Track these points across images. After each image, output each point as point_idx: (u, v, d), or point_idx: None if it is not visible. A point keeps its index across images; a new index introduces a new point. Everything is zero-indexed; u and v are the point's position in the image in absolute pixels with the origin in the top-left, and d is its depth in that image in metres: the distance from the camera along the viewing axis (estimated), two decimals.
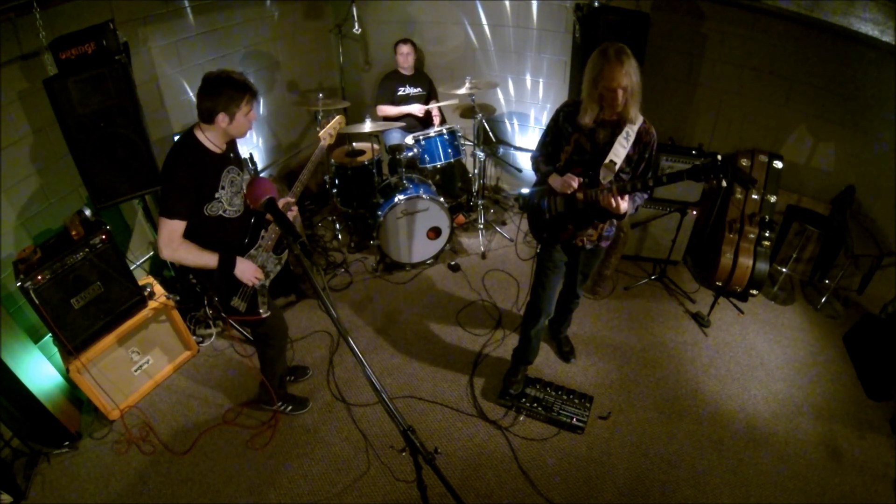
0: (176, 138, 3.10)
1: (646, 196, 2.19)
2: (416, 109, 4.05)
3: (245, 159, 3.39)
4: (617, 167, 2.07)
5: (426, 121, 4.16)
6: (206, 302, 3.15)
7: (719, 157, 1.83)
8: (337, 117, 2.53)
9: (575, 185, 2.12)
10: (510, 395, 2.72)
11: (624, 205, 2.02)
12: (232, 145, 2.09)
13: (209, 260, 1.99)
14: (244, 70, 3.86)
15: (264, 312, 2.25)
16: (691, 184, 3.40)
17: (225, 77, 1.88)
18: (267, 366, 2.53)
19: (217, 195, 1.99)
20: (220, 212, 2.02)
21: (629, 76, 1.90)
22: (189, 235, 1.96)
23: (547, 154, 2.29)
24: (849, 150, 3.30)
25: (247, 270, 2.08)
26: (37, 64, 2.48)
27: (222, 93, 1.86)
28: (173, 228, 1.89)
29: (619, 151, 2.06)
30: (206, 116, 1.90)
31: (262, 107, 4.12)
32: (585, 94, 2.02)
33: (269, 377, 2.56)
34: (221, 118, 1.89)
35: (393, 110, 4.06)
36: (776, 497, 2.33)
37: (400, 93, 4.07)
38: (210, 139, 1.95)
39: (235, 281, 2.11)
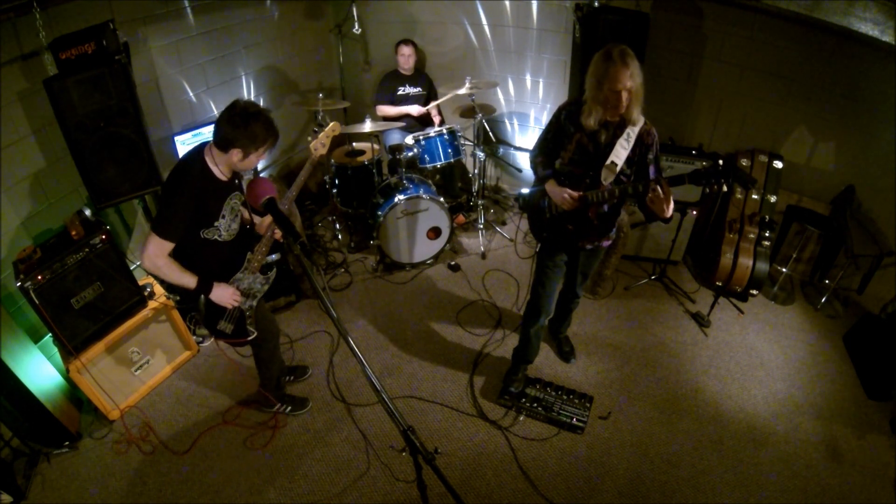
0: (176, 139, 3.16)
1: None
2: (415, 110, 4.05)
3: None
4: (618, 168, 2.07)
5: (426, 121, 4.16)
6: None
7: (721, 162, 1.81)
8: (331, 125, 2.39)
9: (572, 198, 2.12)
10: (510, 393, 2.72)
11: (672, 203, 1.93)
12: (236, 172, 2.06)
13: (188, 281, 1.96)
14: (244, 70, 3.86)
15: (252, 334, 2.23)
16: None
17: (256, 113, 1.81)
18: (261, 367, 2.53)
19: (216, 223, 1.98)
20: (216, 236, 2.00)
21: (633, 78, 1.90)
22: (176, 251, 1.93)
23: (547, 152, 2.28)
24: (849, 150, 3.30)
25: (224, 295, 2.05)
26: (37, 64, 2.48)
27: (248, 128, 1.79)
28: (162, 247, 1.87)
29: (621, 153, 2.05)
30: (222, 145, 1.84)
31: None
32: (589, 96, 2.01)
33: (266, 378, 2.56)
34: (235, 153, 1.84)
35: (392, 110, 4.06)
36: (776, 497, 2.33)
37: (400, 92, 4.07)
38: (219, 166, 1.93)
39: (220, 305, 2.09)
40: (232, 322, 2.16)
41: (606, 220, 2.26)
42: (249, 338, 2.24)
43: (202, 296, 2.04)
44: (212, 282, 2.03)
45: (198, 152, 1.92)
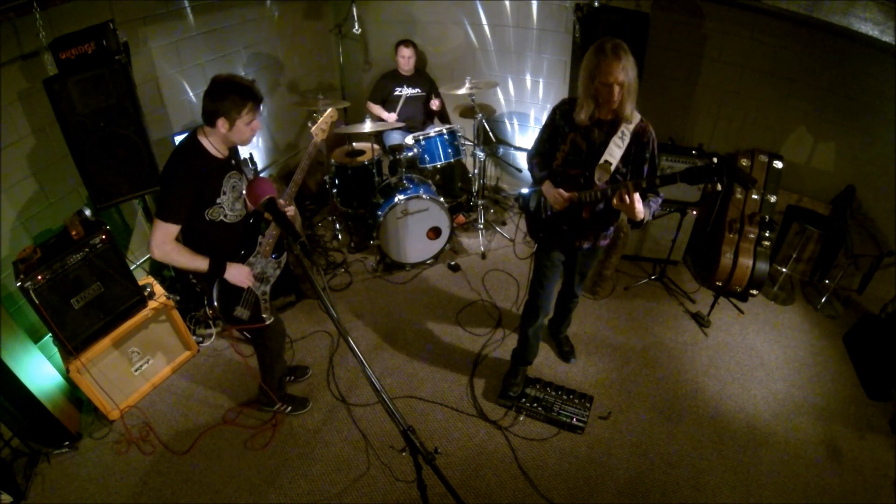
0: (177, 139, 3.16)
1: (660, 200, 2.14)
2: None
3: (245, 159, 3.40)
4: (613, 167, 2.06)
5: (427, 118, 4.17)
6: (206, 302, 3.15)
7: (715, 160, 1.81)
8: (329, 110, 2.41)
9: (564, 198, 2.13)
10: (510, 396, 2.72)
11: (640, 206, 1.96)
12: (234, 150, 2.09)
13: (200, 264, 1.97)
14: (244, 70, 3.87)
15: (268, 319, 2.25)
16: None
17: (231, 82, 1.86)
18: (265, 366, 2.53)
19: (219, 200, 1.98)
20: (221, 217, 2.01)
21: (626, 72, 1.87)
22: (188, 238, 1.95)
23: (543, 152, 2.28)
24: (849, 150, 3.30)
25: (238, 274, 2.06)
26: (37, 64, 2.48)
27: (226, 97, 1.84)
28: (167, 231, 1.88)
29: (615, 152, 2.04)
30: (208, 119, 1.89)
31: (262, 108, 4.12)
32: (581, 90, 1.98)
33: (268, 378, 2.56)
34: (221, 123, 1.87)
35: (380, 112, 4.09)
36: (776, 497, 2.33)
37: (396, 93, 4.08)
38: (213, 143, 1.94)
39: (236, 289, 2.10)
40: (248, 308, 2.18)
41: (602, 218, 2.25)
42: (266, 323, 2.25)
43: (217, 281, 2.05)
44: (224, 262, 2.04)
45: (191, 134, 1.95)
